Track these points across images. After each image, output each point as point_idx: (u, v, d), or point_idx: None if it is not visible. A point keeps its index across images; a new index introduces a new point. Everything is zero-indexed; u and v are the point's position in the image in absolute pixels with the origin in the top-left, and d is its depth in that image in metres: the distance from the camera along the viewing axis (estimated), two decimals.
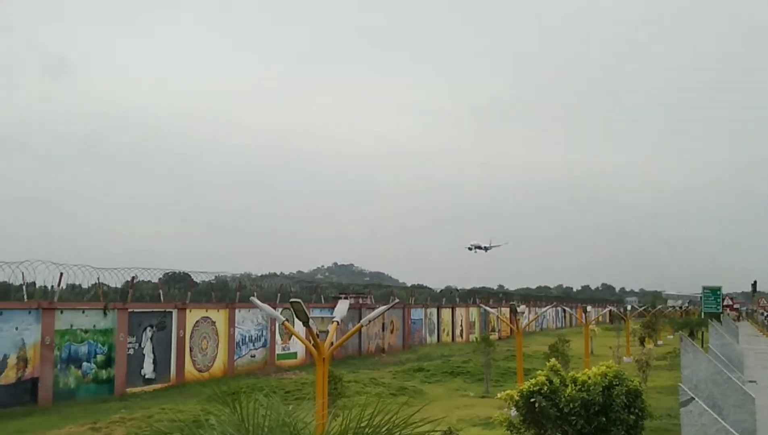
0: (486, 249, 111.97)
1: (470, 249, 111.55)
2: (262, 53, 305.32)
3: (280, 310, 30.00)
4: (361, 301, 47.12)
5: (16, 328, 23.40)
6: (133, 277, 29.29)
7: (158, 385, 28.41)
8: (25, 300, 24.91)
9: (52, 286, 26.40)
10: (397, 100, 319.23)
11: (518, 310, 23.42)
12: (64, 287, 26.33)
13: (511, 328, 53.67)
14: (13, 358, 23.21)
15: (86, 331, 25.91)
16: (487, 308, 36.33)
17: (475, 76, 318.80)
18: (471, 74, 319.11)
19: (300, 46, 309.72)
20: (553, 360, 12.27)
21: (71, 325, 25.39)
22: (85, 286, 30.43)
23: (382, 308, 11.96)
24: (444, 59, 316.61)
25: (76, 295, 30.31)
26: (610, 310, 59.98)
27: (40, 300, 25.13)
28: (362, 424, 5.80)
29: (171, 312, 30.05)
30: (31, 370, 23.74)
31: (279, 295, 37.67)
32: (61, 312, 25.07)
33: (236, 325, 33.67)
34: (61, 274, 25.50)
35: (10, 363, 23.10)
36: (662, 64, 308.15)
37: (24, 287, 25.33)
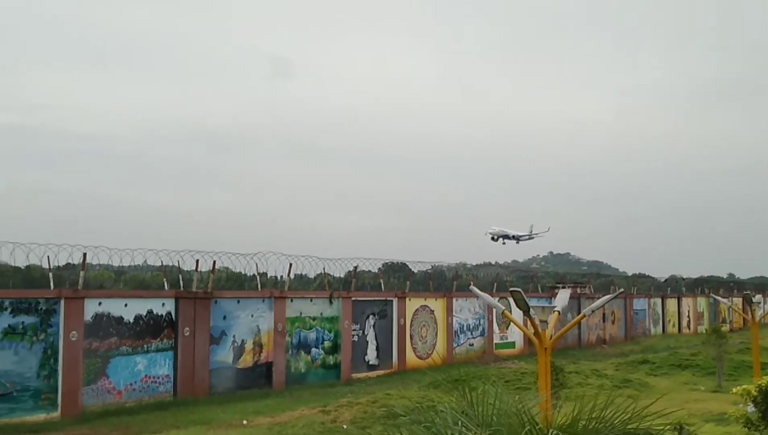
0: (517, 239, 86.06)
1: (494, 239, 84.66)
2: (469, 49, 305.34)
3: (497, 299, 29.98)
4: (579, 290, 46.05)
5: (252, 316, 25.07)
6: (355, 267, 30.40)
7: (381, 372, 29.36)
8: (259, 289, 26.64)
9: (282, 276, 28.02)
10: (617, 83, 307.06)
11: (753, 299, 21.88)
12: (293, 277, 27.79)
13: (744, 319, 50.26)
14: (250, 344, 24.89)
15: (314, 319, 27.28)
16: (718, 298, 34.06)
17: (695, 54, 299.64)
18: (691, 53, 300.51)
19: (504, 37, 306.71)
20: None
21: (300, 313, 26.82)
22: (311, 275, 32.07)
23: (607, 297, 11.55)
24: (663, 38, 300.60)
25: (303, 285, 32.02)
26: None
27: (272, 289, 26.74)
28: (592, 415, 5.68)
29: (392, 300, 30.94)
30: (266, 355, 25.34)
31: (495, 284, 37.65)
32: (291, 300, 26.53)
33: (454, 313, 34.07)
34: (291, 264, 26.93)
35: (247, 348, 24.80)
36: None
37: (257, 277, 27.10)
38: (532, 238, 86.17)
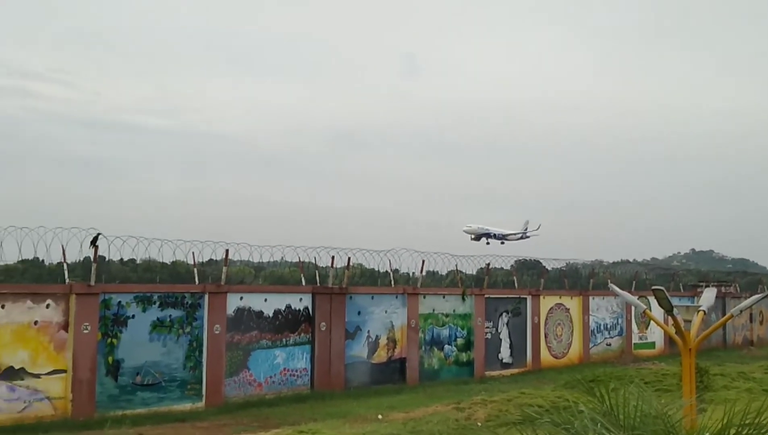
0: (502, 238, 73.86)
1: (475, 238, 73.69)
2: (612, 38, 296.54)
3: (636, 298, 29.03)
4: (723, 289, 43.94)
5: (386, 311, 25.35)
6: (488, 264, 30.18)
7: (515, 370, 29.05)
8: (392, 285, 26.91)
9: (414, 273, 28.22)
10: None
11: None
12: (425, 274, 27.88)
13: None
14: (384, 339, 25.18)
15: (447, 316, 27.27)
16: None
17: None
18: None
19: (649, 24, 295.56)
20: None
21: (433, 310, 26.88)
22: (443, 272, 32.12)
23: (755, 297, 11.01)
24: None
25: (435, 281, 32.10)
26: None
27: (405, 285, 26.96)
28: (745, 422, 5.38)
29: (525, 298, 30.54)
30: (400, 351, 25.56)
31: (634, 282, 36.49)
32: (424, 297, 26.61)
33: (590, 312, 33.29)
34: (423, 261, 27.02)
35: (381, 343, 25.10)
36: None
37: (390, 273, 27.38)
38: (527, 237, 76.44)
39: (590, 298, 33.43)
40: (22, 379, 17.40)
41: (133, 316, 19.47)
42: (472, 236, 74.33)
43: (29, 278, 27.41)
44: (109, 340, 18.98)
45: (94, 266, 19.00)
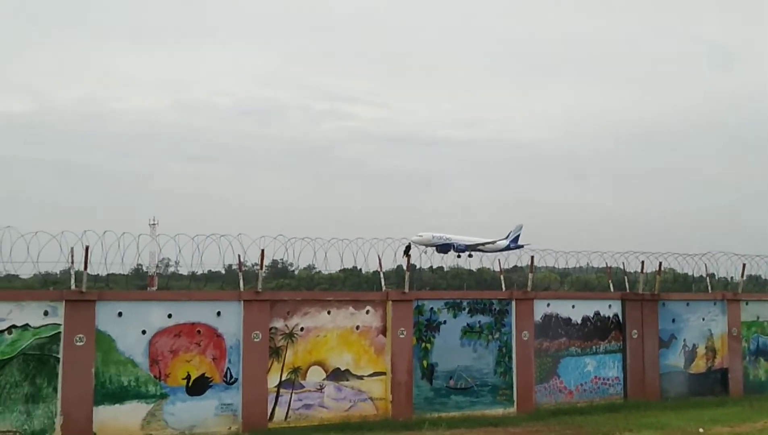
0: (470, 249, 61.41)
1: (441, 250, 60.58)
2: None
3: None
4: None
5: (703, 319, 23.90)
6: None
7: None
8: (709, 291, 25.28)
9: (732, 277, 26.23)
10: None
11: None
12: (746, 278, 25.88)
13: None
14: (702, 348, 23.72)
15: None
16: None
17: None
18: None
19: None
20: None
21: (757, 317, 24.92)
22: (766, 277, 29.49)
23: None
24: None
25: (758, 287, 29.59)
26: None
27: (724, 291, 25.20)
28: None
29: None
30: (720, 361, 23.95)
31: None
32: (746, 303, 24.75)
33: None
34: (744, 265, 25.12)
35: (699, 352, 23.67)
36: None
37: (707, 278, 25.73)
38: (519, 246, 60.51)
39: None
40: (347, 380, 18.77)
41: (445, 322, 20.15)
42: (432, 249, 59.71)
43: (349, 286, 29.71)
44: (423, 344, 19.80)
45: (407, 274, 20.01)
